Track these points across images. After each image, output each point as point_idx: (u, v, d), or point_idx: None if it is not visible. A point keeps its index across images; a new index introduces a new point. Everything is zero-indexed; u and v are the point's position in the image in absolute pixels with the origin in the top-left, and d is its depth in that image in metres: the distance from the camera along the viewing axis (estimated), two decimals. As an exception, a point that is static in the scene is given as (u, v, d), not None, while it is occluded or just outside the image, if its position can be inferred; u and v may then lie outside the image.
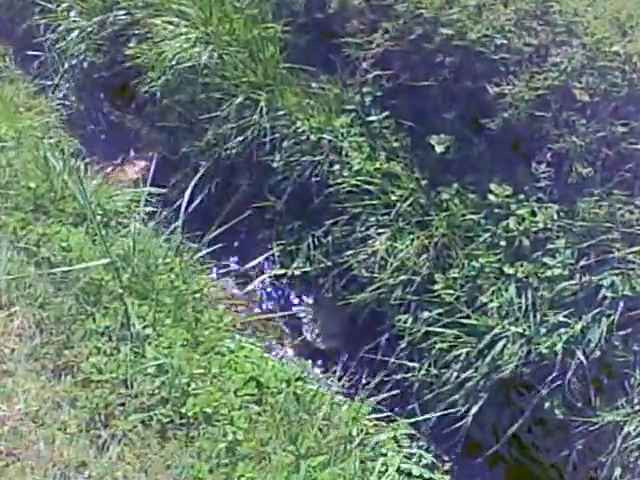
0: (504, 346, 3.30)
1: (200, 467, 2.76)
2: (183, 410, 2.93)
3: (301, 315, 4.18)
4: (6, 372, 2.95)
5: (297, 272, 4.18)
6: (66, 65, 5.21)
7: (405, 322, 3.63)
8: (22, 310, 3.22)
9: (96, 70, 5.16)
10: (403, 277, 3.66)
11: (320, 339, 4.10)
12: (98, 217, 3.88)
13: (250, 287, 3.95)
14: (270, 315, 4.20)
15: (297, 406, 3.12)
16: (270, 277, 4.20)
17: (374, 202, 3.82)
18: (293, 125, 4.12)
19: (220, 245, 3.86)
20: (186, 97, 4.49)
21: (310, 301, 4.23)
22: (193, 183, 3.94)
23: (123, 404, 2.93)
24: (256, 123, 4.21)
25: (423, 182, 3.76)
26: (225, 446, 2.84)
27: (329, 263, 4.02)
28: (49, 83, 5.30)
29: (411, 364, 3.59)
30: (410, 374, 3.57)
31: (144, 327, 3.23)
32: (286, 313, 4.21)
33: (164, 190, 4.33)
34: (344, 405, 3.29)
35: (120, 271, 3.39)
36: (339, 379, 3.41)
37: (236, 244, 4.21)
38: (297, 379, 3.28)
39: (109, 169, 4.60)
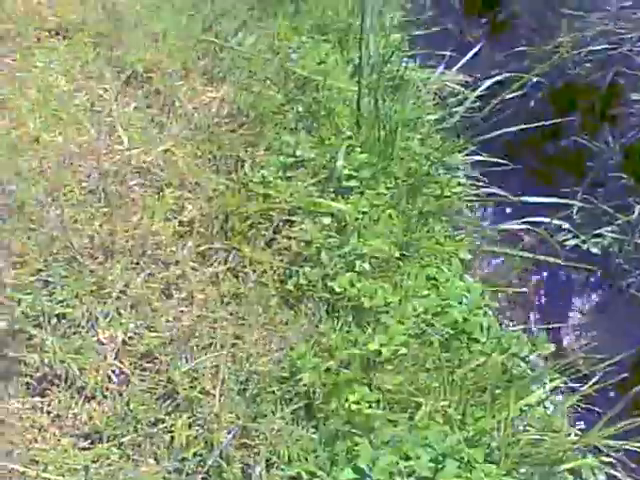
0: None
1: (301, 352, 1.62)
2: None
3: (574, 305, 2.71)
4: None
5: (594, 249, 2.74)
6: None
7: None
8: (229, 90, 2.42)
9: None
10: None
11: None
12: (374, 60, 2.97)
13: (513, 225, 2.57)
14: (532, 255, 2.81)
15: (501, 380, 1.79)
16: (553, 230, 2.78)
17: None
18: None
19: (501, 167, 2.60)
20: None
21: (596, 295, 2.73)
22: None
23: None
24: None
25: None
26: (356, 354, 1.64)
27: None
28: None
29: None
30: None
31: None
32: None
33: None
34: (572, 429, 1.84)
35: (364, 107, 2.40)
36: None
37: (528, 179, 2.89)
38: (510, 352, 1.92)
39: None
